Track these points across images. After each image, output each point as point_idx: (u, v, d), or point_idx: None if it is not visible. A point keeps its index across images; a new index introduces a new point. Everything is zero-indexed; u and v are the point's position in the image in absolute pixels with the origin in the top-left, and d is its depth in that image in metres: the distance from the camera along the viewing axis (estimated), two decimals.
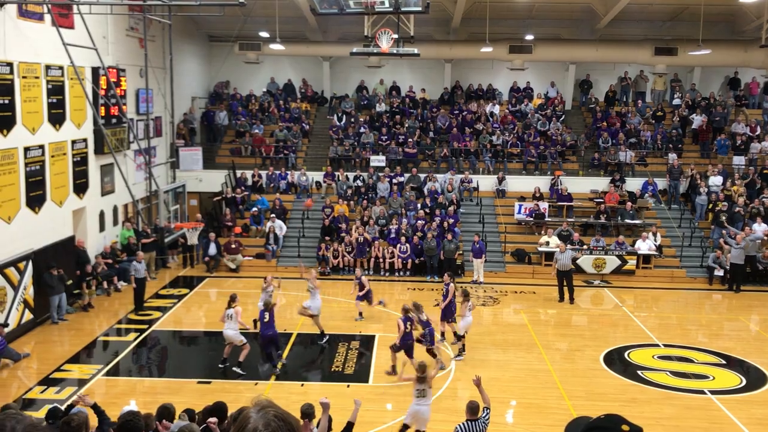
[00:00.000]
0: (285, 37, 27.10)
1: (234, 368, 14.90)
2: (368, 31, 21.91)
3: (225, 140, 29.83)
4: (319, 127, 30.95)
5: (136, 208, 23.24)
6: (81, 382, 14.30)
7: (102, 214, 21.93)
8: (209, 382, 14.33)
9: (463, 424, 9.60)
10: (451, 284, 16.69)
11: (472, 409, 9.73)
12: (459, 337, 15.96)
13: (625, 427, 2.01)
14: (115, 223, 22.82)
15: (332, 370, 15.12)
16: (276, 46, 27.62)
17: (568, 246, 21.63)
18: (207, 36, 31.41)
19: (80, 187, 20.43)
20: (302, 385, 14.26)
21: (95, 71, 20.72)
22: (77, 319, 18.57)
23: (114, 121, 21.79)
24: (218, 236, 24.18)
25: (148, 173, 23.86)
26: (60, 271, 17.80)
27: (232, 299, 15.10)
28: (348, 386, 14.14)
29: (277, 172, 27.56)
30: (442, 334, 16.59)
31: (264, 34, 28.30)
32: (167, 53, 24.68)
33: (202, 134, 29.98)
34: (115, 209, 22.84)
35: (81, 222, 20.75)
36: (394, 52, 22.14)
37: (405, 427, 11.61)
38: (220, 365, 15.16)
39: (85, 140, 20.63)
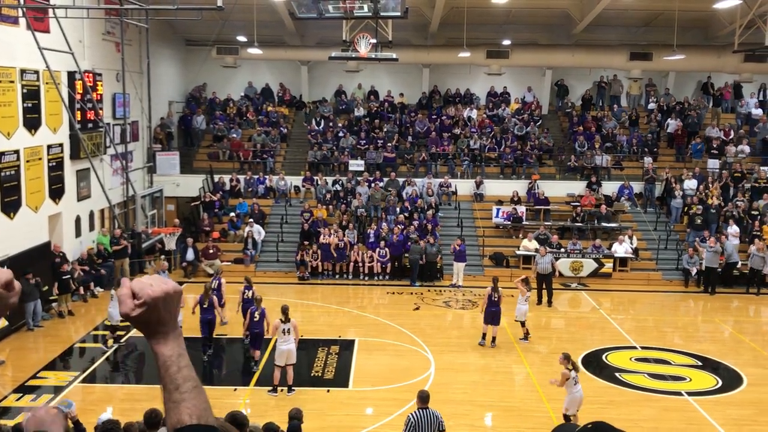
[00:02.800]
0: (263, 42, 27.06)
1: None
2: (347, 36, 21.98)
3: (203, 145, 29.68)
4: (297, 131, 30.91)
5: (112, 213, 23.05)
6: (57, 390, 14.15)
7: (78, 220, 21.72)
8: None
9: (415, 412, 9.75)
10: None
11: (423, 398, 9.94)
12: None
13: None
14: (92, 228, 22.62)
15: (312, 375, 15.09)
16: (254, 51, 27.56)
17: (548, 250, 21.77)
18: (184, 40, 31.26)
19: (56, 192, 20.23)
20: (281, 390, 14.19)
21: (71, 75, 20.54)
22: (53, 326, 18.37)
23: (90, 125, 21.60)
24: (196, 241, 24.03)
25: (125, 178, 23.68)
26: (36, 278, 17.59)
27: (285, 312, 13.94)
28: (328, 391, 14.12)
29: (256, 176, 27.47)
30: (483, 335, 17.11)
31: (242, 39, 28.23)
32: (144, 57, 24.54)
33: (180, 139, 29.81)
34: (92, 214, 22.63)
35: (57, 227, 20.54)
36: (373, 56, 22.22)
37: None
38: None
39: (60, 145, 20.44)
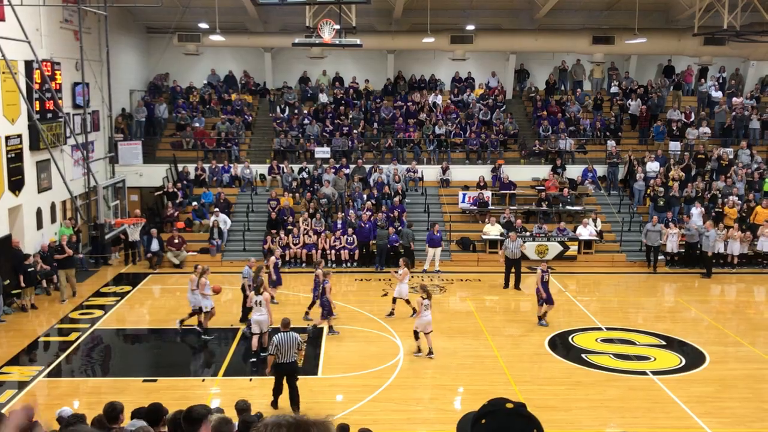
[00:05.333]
0: (225, 28, 26.72)
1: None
2: (310, 22, 21.81)
3: (165, 134, 29.30)
4: (262, 119, 30.66)
5: (74, 205, 22.67)
6: (21, 385, 13.92)
7: (39, 212, 21.33)
8: (155, 380, 14.11)
9: (280, 334, 12.28)
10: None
11: (285, 323, 12.55)
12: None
13: (509, 405, 2.05)
14: (53, 220, 22.23)
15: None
16: (216, 38, 27.22)
17: (518, 235, 21.95)
18: (145, 27, 30.74)
19: (16, 185, 19.82)
20: (251, 380, 14.15)
21: (29, 65, 20.07)
22: (16, 320, 18.06)
23: (49, 115, 21.17)
24: (160, 232, 23.77)
25: (86, 168, 23.27)
26: None
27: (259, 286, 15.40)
28: (297, 379, 14.07)
29: (220, 165, 27.21)
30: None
31: (203, 26, 27.84)
32: (103, 46, 24.07)
33: (141, 128, 29.36)
34: (53, 206, 22.24)
35: (18, 220, 20.14)
36: (337, 42, 22.07)
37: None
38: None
39: (19, 136, 20.01)
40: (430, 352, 15.30)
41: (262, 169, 27.36)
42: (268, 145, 28.71)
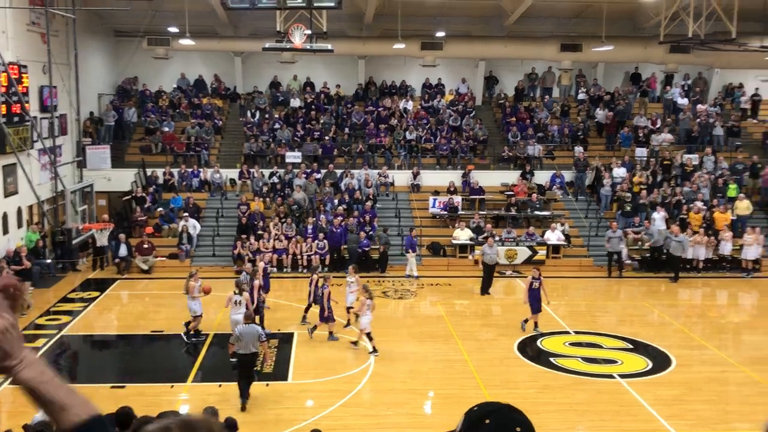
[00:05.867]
0: (195, 33, 26.60)
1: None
2: (281, 27, 21.80)
3: (134, 138, 29.03)
4: (232, 123, 30.53)
5: (42, 210, 22.38)
6: None
7: (5, 217, 21.01)
8: (123, 387, 13.98)
9: (242, 325, 13.10)
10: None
11: (248, 316, 13.68)
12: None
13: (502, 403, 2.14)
14: (20, 225, 21.91)
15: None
16: (186, 42, 27.06)
17: (495, 240, 22.15)
18: (113, 31, 30.44)
19: None
20: (220, 385, 14.08)
21: None
22: None
23: (16, 119, 20.85)
24: (129, 237, 23.55)
25: (54, 173, 22.99)
26: None
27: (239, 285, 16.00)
28: (267, 385, 14.06)
29: (190, 169, 27.04)
30: None
31: (173, 29, 27.66)
32: (71, 49, 23.84)
33: (109, 132, 29.06)
34: (20, 211, 21.92)
35: None
36: (308, 47, 22.08)
37: None
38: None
39: None
40: (356, 344, 16.05)
41: (232, 173, 27.24)
42: (238, 149, 28.59)
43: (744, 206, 25.31)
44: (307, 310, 17.84)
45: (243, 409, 12.68)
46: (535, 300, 17.34)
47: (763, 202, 26.56)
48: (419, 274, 22.87)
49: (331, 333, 16.73)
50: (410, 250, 22.94)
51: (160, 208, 25.11)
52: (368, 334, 15.63)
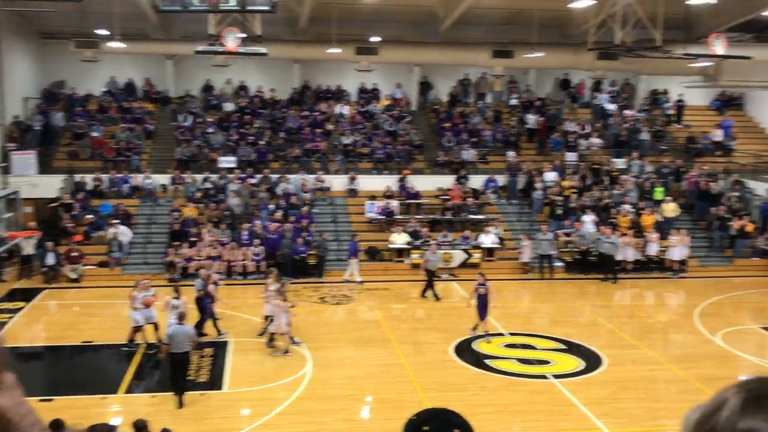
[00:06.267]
0: (125, 35, 25.96)
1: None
2: (213, 30, 21.48)
3: (62, 143, 28.17)
4: (163, 127, 29.94)
5: None
6: None
7: None
8: (51, 400, 13.51)
9: (176, 326, 13.36)
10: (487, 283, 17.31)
11: (181, 316, 13.84)
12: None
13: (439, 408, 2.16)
14: None
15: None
16: (115, 44, 26.41)
17: (434, 244, 22.28)
18: (40, 33, 29.50)
19: None
20: (153, 396, 13.77)
21: None
22: None
23: None
24: (57, 245, 22.81)
25: None
26: None
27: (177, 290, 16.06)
28: (202, 394, 13.81)
29: (120, 175, 26.39)
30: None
31: (102, 32, 26.96)
32: None
33: (36, 137, 28.14)
34: None
35: None
36: (241, 51, 21.83)
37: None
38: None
39: None
40: (277, 343, 16.09)
41: (164, 179, 26.71)
42: (170, 154, 28.05)
43: (670, 209, 26.20)
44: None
45: (180, 405, 12.76)
46: (482, 306, 17.26)
47: (688, 204, 27.55)
48: (350, 278, 22.85)
49: (292, 338, 16.61)
50: (353, 256, 22.92)
51: (90, 215, 24.41)
52: (291, 338, 15.74)
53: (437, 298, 20.98)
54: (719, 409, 1.09)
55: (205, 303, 17.15)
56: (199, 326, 16.89)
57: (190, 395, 13.54)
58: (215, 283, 18.10)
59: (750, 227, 25.27)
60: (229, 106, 30.02)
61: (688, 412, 1.13)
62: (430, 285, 21.12)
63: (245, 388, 14.24)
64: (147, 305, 16.32)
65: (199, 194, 25.82)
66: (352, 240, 23.36)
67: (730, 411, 1.07)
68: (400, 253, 24.19)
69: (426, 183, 27.70)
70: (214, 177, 26.60)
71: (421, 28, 30.51)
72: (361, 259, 24.20)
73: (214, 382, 14.47)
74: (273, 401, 13.44)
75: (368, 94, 31.83)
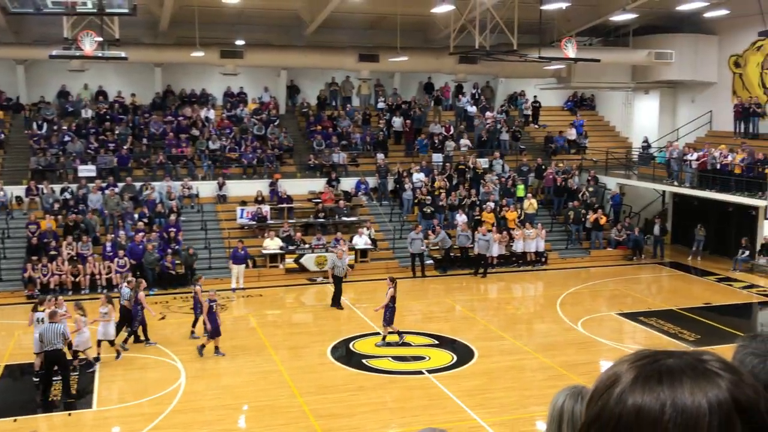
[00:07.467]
0: None
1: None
2: (69, 33, 20.54)
3: None
4: (16, 136, 28.24)
5: None
6: None
7: None
8: None
9: (47, 325, 13.67)
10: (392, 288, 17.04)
11: (52, 314, 13.87)
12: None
13: None
14: None
15: (50, 399, 13.95)
16: None
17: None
18: None
19: None
20: (15, 420, 12.99)
21: None
22: None
23: None
24: None
25: None
26: None
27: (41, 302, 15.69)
28: (70, 414, 13.19)
29: None
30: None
31: None
32: None
33: None
34: None
35: None
36: (99, 55, 21.04)
37: None
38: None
39: None
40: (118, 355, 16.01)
41: (19, 190, 25.21)
42: (24, 164, 26.49)
43: (529, 205, 27.55)
44: (194, 324, 17.38)
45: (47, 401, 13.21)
46: (389, 311, 17.11)
47: (547, 200, 29.06)
48: (233, 286, 22.52)
49: (217, 348, 16.27)
50: (235, 263, 22.55)
51: None
52: (76, 352, 15.20)
53: (340, 306, 20.48)
54: (611, 385, 1.09)
55: (134, 310, 16.81)
56: (134, 335, 17.04)
57: (57, 416, 12.90)
58: (146, 288, 18.35)
59: (603, 220, 26.95)
60: (87, 113, 28.73)
61: (554, 397, 1.24)
62: (338, 292, 20.65)
63: (115, 405, 13.73)
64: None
65: (57, 205, 24.55)
66: (235, 247, 22.87)
67: (621, 388, 1.08)
68: (274, 258, 24.02)
69: (297, 187, 27.65)
70: (73, 187, 25.38)
71: (288, 32, 30.41)
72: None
73: (82, 402, 13.85)
74: (146, 416, 13.04)
75: (235, 98, 31.38)
